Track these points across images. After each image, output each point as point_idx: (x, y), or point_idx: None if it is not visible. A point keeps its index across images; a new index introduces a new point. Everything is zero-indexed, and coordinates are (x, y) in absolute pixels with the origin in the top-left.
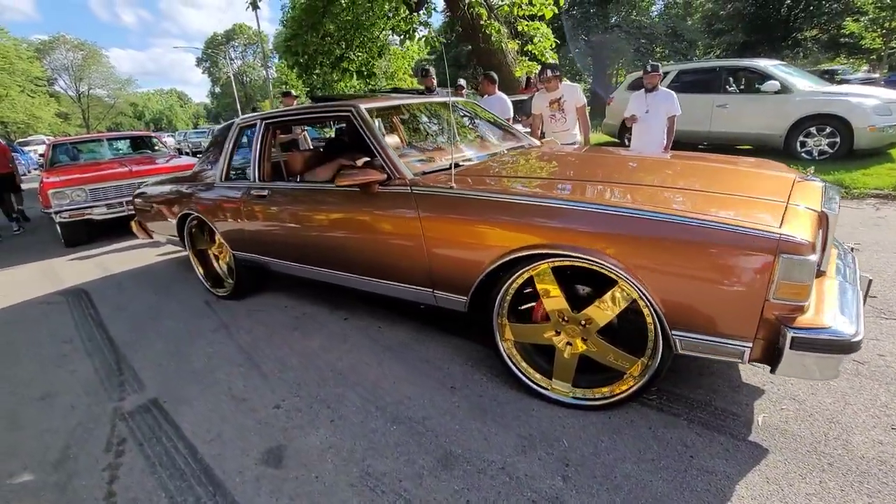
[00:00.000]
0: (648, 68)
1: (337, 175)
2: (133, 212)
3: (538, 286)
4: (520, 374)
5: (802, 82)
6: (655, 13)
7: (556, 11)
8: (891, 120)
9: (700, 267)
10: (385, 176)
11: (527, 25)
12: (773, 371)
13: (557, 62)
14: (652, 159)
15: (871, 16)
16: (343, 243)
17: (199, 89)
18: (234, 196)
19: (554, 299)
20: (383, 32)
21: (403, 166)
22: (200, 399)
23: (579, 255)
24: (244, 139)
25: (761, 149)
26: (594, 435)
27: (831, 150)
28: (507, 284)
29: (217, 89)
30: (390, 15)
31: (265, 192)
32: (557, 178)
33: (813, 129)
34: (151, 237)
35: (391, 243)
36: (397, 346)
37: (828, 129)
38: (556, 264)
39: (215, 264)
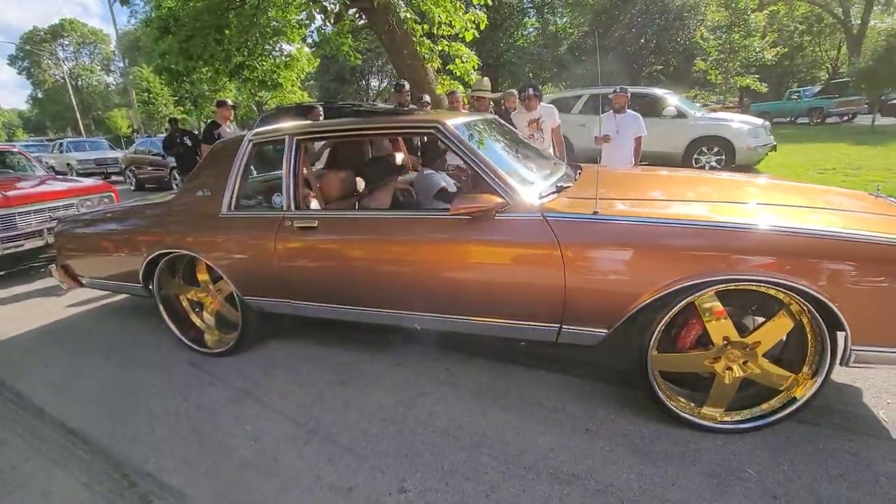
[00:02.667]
0: (618, 90)
1: (452, 202)
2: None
3: (702, 313)
4: (671, 406)
5: (692, 109)
6: (524, 40)
7: (477, 36)
8: (760, 141)
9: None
10: (504, 201)
11: (448, 45)
12: None
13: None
14: (732, 180)
15: (713, 57)
16: (438, 280)
17: (8, 93)
18: (260, 228)
19: (720, 325)
20: (292, 42)
21: (526, 190)
22: (289, 501)
23: (768, 281)
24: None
25: (663, 164)
26: (769, 458)
27: (719, 167)
28: (668, 314)
29: (39, 94)
30: (302, 24)
31: (313, 223)
32: (704, 201)
33: (704, 148)
34: (82, 284)
35: (513, 277)
36: (484, 389)
37: (715, 149)
38: (723, 289)
39: (192, 315)
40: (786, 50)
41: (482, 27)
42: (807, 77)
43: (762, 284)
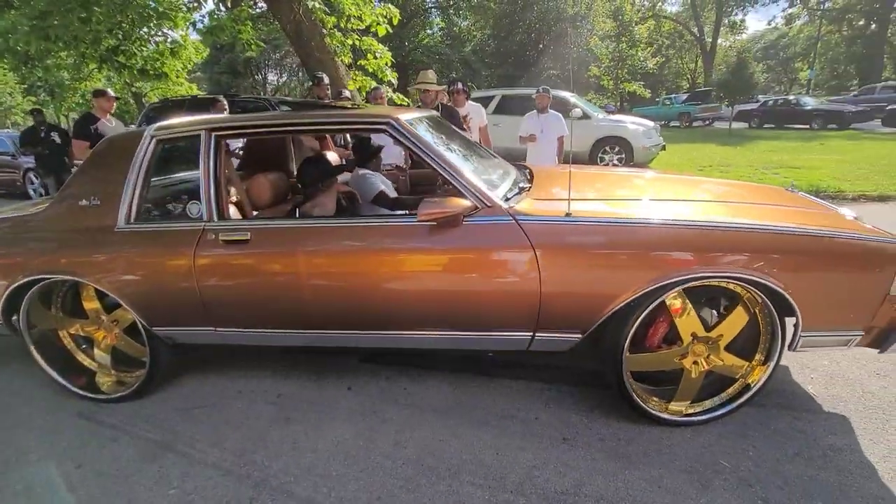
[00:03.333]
0: (540, 90)
1: (419, 208)
2: None
3: (671, 310)
4: (644, 406)
5: (595, 112)
6: (431, 39)
7: (390, 31)
8: (653, 141)
9: (842, 274)
10: (473, 204)
11: (359, 40)
12: (881, 352)
13: (395, 80)
14: (676, 178)
15: (605, 64)
16: (402, 293)
17: None
18: (172, 244)
19: (688, 321)
20: (177, 28)
21: (493, 192)
22: None
23: (735, 276)
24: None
25: (572, 162)
26: (735, 446)
27: (620, 164)
28: (642, 314)
29: None
30: (191, 7)
31: (245, 235)
32: (669, 199)
33: (608, 147)
34: None
35: (485, 285)
36: (451, 407)
37: (617, 148)
38: (691, 286)
39: (79, 354)
40: (664, 60)
41: (395, 22)
42: (672, 85)
43: (727, 280)
